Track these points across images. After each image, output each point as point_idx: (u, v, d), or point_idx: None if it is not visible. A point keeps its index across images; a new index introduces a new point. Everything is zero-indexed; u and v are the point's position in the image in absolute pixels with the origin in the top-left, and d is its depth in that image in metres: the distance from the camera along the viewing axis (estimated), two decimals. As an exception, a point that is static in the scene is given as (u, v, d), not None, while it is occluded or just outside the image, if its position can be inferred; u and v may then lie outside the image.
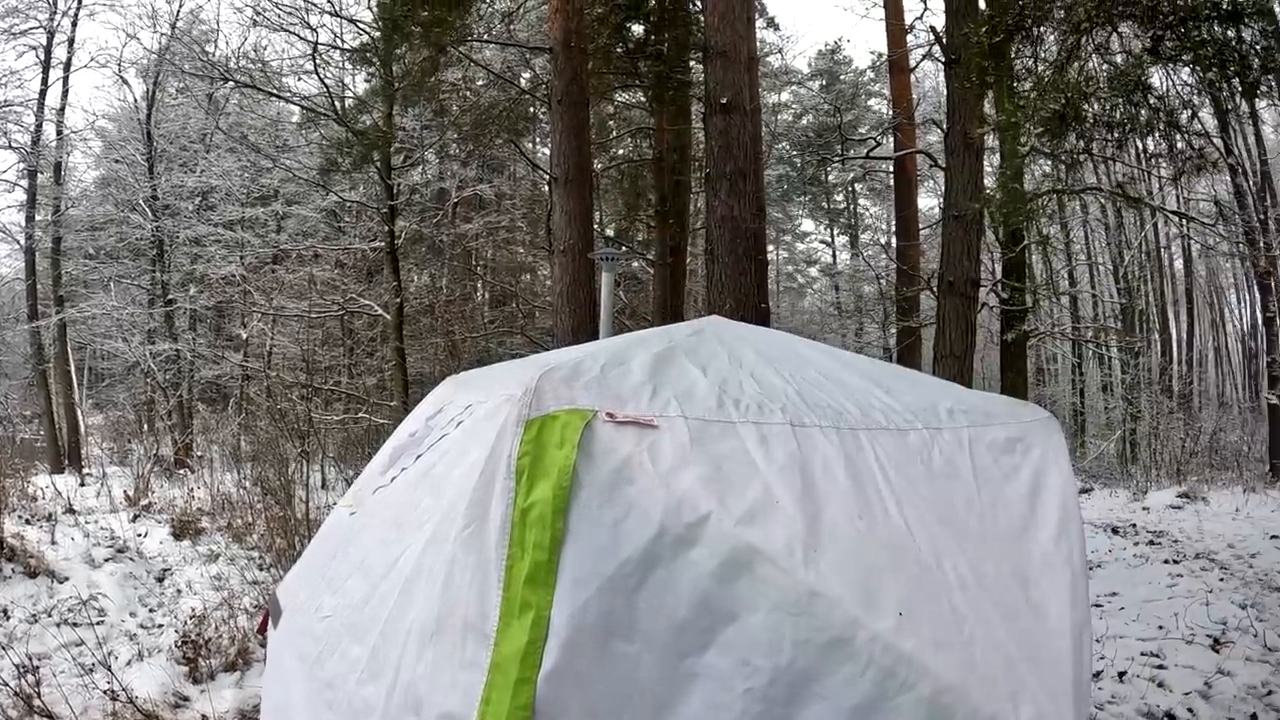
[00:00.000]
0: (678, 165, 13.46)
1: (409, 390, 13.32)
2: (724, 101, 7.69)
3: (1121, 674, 5.03)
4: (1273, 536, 9.15)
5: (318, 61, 14.11)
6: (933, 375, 7.91)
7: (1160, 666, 5.13)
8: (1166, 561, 8.00)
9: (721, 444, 1.94)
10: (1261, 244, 16.50)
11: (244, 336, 19.86)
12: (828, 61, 28.60)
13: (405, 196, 18.31)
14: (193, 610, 5.91)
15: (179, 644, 5.32)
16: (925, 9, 14.44)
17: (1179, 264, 24.02)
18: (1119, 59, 6.03)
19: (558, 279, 9.46)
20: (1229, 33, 5.86)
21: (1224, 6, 5.76)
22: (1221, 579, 7.26)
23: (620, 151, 17.64)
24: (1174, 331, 24.03)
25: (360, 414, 12.69)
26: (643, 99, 14.88)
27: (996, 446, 2.33)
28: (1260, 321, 18.69)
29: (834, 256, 31.97)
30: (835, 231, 31.89)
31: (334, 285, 17.45)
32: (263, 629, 3.51)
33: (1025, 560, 2.12)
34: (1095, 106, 5.40)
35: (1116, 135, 5.81)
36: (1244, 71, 5.91)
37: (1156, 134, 5.94)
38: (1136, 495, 12.85)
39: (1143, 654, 5.34)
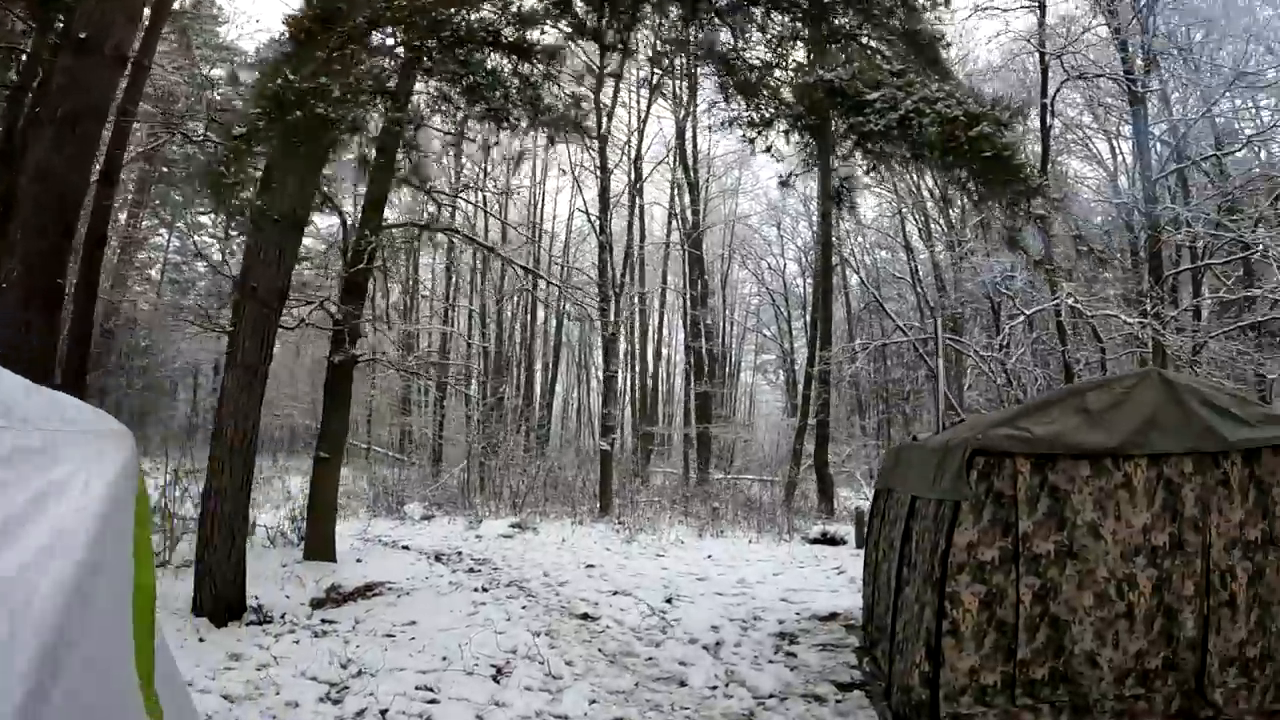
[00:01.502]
0: (40, 102, 10.73)
1: None
2: (82, 36, 6.44)
3: (384, 712, 4.79)
4: (588, 565, 10.21)
5: None
6: (224, 385, 7.07)
7: (433, 701, 5.01)
8: (478, 589, 8.27)
9: None
10: (611, 312, 19.50)
11: None
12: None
13: None
14: None
15: None
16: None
17: (552, 322, 27.29)
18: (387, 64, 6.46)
19: None
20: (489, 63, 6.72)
21: (489, 40, 6.52)
22: (525, 606, 7.63)
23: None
24: (538, 381, 27.21)
25: None
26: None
27: None
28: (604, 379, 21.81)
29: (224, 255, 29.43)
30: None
31: None
32: None
33: None
34: (336, 111, 5.44)
35: (346, 136, 6.09)
36: (502, 109, 6.80)
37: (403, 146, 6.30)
38: (473, 524, 13.66)
39: (418, 687, 5.20)
